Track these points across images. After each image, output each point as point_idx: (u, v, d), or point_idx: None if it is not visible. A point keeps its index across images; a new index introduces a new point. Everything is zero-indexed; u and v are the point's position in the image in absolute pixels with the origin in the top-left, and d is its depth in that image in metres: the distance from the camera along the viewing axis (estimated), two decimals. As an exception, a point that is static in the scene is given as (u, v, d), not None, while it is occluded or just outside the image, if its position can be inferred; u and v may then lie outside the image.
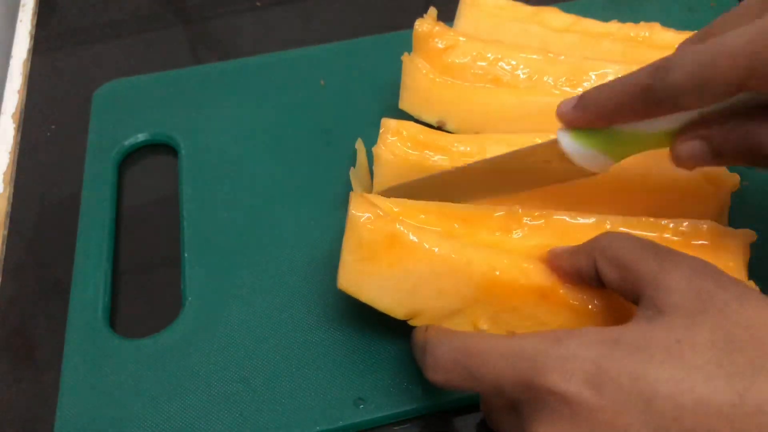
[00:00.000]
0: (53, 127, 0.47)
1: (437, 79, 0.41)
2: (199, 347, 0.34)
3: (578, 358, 0.23)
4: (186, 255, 0.38)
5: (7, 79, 0.50)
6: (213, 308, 0.36)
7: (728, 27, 0.26)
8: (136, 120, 0.45)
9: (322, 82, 0.47)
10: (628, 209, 0.34)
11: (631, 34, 0.43)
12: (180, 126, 0.45)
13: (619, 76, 0.39)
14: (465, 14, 0.45)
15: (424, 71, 0.41)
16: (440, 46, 0.41)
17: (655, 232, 0.33)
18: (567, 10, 0.45)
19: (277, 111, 0.45)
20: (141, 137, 0.45)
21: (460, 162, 0.36)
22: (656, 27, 0.43)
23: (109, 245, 0.39)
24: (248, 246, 0.38)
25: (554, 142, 0.31)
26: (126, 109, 0.46)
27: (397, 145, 0.37)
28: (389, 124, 0.37)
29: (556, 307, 0.30)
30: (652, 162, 0.36)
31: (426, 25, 0.41)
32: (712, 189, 0.35)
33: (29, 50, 0.52)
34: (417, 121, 0.40)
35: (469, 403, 0.32)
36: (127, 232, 0.41)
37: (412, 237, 0.30)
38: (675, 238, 0.33)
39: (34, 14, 0.55)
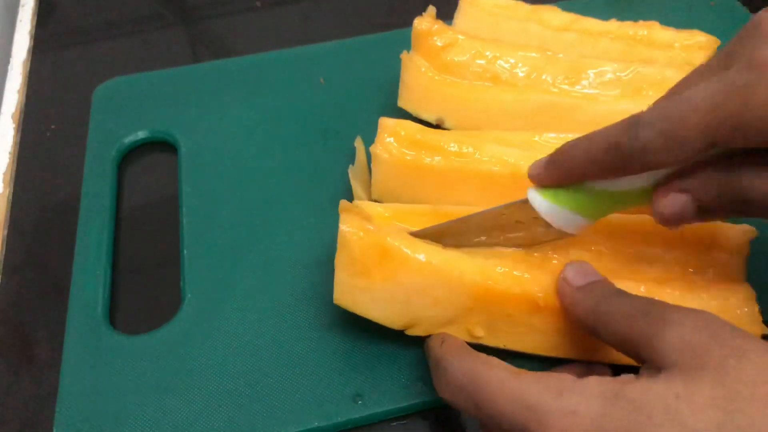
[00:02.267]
0: (53, 127, 0.47)
1: (436, 77, 0.41)
2: (198, 343, 0.34)
3: (577, 414, 0.23)
4: (186, 252, 0.38)
5: (7, 79, 0.50)
6: (212, 305, 0.36)
7: (694, 84, 0.26)
8: (136, 118, 0.45)
9: (321, 81, 0.47)
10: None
11: (630, 33, 0.43)
12: (180, 124, 0.45)
13: (616, 71, 0.39)
14: (464, 13, 0.45)
15: (423, 69, 0.41)
16: (439, 44, 0.41)
17: (655, 232, 0.32)
18: (566, 9, 0.45)
19: (277, 109, 0.45)
20: (141, 135, 0.45)
21: (457, 162, 0.36)
22: (655, 26, 0.43)
23: (109, 242, 0.39)
24: (248, 243, 0.38)
25: (525, 202, 0.30)
26: (126, 107, 0.46)
27: (394, 145, 0.36)
28: (386, 124, 0.37)
29: (550, 316, 0.30)
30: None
31: (425, 23, 0.41)
32: None
33: (29, 50, 0.52)
34: (416, 119, 0.40)
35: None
36: (126, 229, 0.41)
37: (404, 250, 0.30)
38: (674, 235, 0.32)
39: (34, 14, 0.55)
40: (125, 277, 0.38)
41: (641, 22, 0.43)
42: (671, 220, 0.27)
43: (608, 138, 0.26)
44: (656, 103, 0.26)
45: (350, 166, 0.39)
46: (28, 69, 0.50)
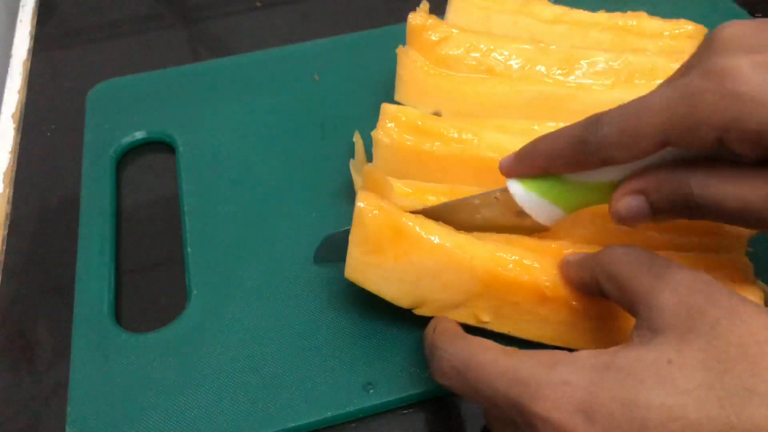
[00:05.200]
0: (53, 127, 0.45)
1: (432, 71, 0.40)
2: (207, 339, 0.33)
3: (570, 384, 0.22)
4: (189, 250, 0.37)
5: (7, 79, 0.48)
6: (219, 300, 0.35)
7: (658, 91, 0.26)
8: (133, 118, 0.44)
9: (316, 78, 0.45)
10: None
11: (620, 23, 0.42)
12: (175, 123, 0.43)
13: (608, 61, 0.37)
14: (455, 8, 0.44)
15: (419, 63, 0.40)
16: (434, 38, 0.40)
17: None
18: (556, 2, 0.43)
19: (273, 106, 0.44)
20: (138, 135, 0.43)
21: (456, 149, 0.35)
22: (643, 16, 0.42)
23: (111, 242, 0.38)
24: (251, 239, 0.37)
25: (504, 190, 0.30)
26: (121, 108, 0.44)
27: (395, 130, 0.35)
28: (388, 109, 0.36)
29: (557, 306, 0.29)
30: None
31: (419, 18, 0.40)
32: None
33: (29, 50, 0.50)
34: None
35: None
36: (128, 229, 0.39)
37: (417, 231, 0.29)
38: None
39: (34, 14, 0.53)
40: (129, 276, 0.37)
41: (629, 12, 0.42)
42: (627, 220, 0.28)
43: (573, 133, 0.27)
44: (620, 106, 0.27)
45: (351, 159, 0.37)
46: (28, 69, 0.49)
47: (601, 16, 0.42)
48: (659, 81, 0.38)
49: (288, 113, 0.43)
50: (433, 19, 0.39)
